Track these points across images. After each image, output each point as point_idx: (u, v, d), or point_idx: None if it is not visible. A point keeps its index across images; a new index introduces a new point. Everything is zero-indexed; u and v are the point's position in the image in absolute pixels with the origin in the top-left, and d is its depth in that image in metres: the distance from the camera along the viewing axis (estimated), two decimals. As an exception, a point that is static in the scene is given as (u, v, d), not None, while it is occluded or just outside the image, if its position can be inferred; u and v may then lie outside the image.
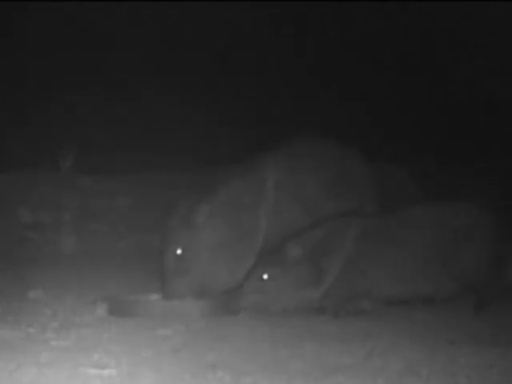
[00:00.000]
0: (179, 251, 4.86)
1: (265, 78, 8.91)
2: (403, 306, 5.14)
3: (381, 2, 8.54)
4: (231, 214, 5.02)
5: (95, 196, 7.52)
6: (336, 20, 8.78)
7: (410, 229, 5.25)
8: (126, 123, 8.46)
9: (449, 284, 5.20)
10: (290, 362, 3.80)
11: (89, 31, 8.72)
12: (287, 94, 8.78)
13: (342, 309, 5.02)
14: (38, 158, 7.66)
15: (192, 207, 4.93)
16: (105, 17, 8.60)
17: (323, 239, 5.10)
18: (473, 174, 5.89)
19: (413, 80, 8.58)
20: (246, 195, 5.09)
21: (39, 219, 7.28)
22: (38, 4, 8.49)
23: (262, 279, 5.02)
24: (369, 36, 8.80)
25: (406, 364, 3.78)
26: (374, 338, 4.31)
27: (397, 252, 5.17)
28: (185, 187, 6.24)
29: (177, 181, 7.23)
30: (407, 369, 3.70)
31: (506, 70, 7.52)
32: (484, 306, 5.20)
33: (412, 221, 5.29)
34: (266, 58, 8.95)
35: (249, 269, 5.07)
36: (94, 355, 3.69)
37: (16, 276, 5.88)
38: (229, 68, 8.95)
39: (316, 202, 5.24)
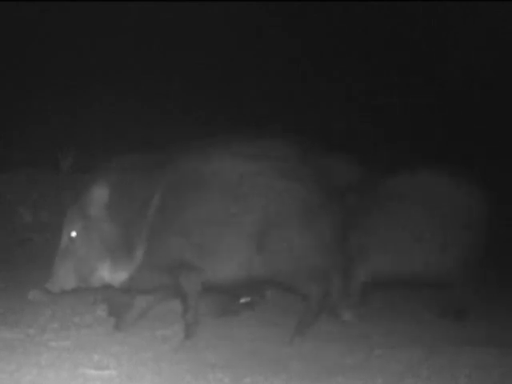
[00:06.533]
0: (71, 235, 4.56)
1: (259, 78, 8.93)
2: (403, 307, 5.15)
3: (381, 2, 8.54)
4: (122, 209, 4.71)
5: (95, 196, 7.49)
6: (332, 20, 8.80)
7: None
8: (126, 123, 8.46)
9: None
10: (289, 362, 3.80)
11: (89, 32, 8.73)
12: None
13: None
14: (38, 158, 7.64)
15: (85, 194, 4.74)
16: (105, 18, 8.61)
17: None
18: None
19: (408, 79, 8.59)
20: (135, 189, 4.76)
21: (39, 219, 7.26)
22: (38, 4, 8.49)
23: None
24: (368, 35, 8.82)
25: (406, 364, 3.78)
26: (374, 339, 4.31)
27: None
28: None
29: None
30: (407, 369, 3.71)
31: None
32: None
33: None
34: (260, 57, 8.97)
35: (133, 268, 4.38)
36: (94, 356, 3.70)
37: (16, 276, 5.86)
38: (228, 68, 8.97)
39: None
